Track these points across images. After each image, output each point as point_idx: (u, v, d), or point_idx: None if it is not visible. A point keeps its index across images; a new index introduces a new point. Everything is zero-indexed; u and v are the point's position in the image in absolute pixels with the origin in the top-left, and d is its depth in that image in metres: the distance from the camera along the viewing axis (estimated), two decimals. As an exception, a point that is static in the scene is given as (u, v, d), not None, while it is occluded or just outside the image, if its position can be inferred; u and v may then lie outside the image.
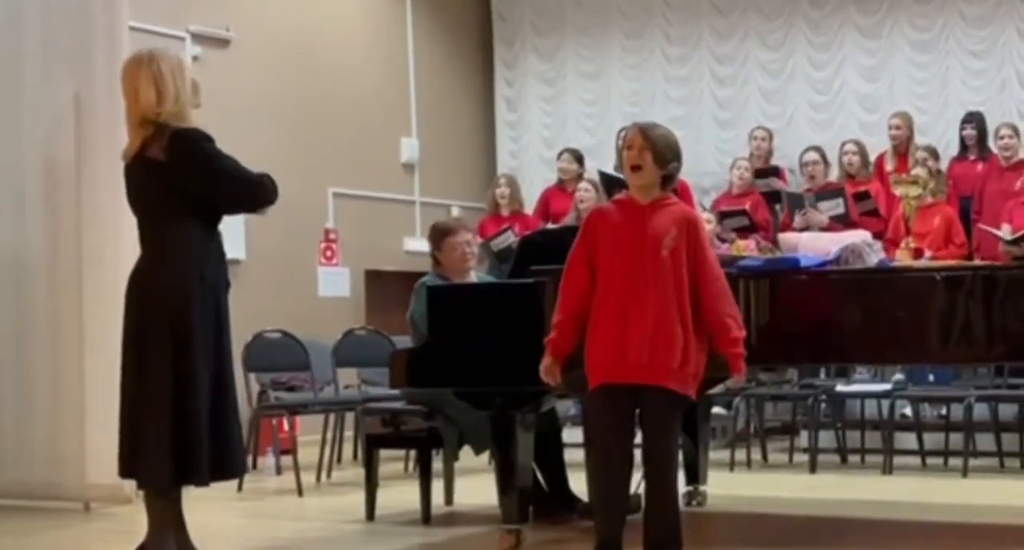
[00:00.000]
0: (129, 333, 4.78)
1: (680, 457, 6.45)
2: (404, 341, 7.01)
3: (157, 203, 4.78)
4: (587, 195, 9.22)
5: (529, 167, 12.11)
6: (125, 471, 4.80)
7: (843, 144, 9.46)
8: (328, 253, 10.68)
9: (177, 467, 4.64)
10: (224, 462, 4.75)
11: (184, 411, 4.63)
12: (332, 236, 10.71)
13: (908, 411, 8.10)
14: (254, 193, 4.88)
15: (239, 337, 7.71)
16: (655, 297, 4.32)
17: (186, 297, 4.69)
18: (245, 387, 7.61)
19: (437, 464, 6.51)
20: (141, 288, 4.76)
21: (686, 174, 10.66)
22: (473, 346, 5.33)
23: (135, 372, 4.73)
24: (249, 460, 7.83)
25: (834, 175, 9.47)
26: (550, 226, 9.04)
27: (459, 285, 5.99)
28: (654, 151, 4.41)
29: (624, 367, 4.33)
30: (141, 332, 4.72)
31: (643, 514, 4.46)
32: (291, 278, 10.20)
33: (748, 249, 6.03)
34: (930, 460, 7.86)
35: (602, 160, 10.14)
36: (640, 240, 4.37)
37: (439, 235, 6.29)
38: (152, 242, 4.81)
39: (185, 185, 4.75)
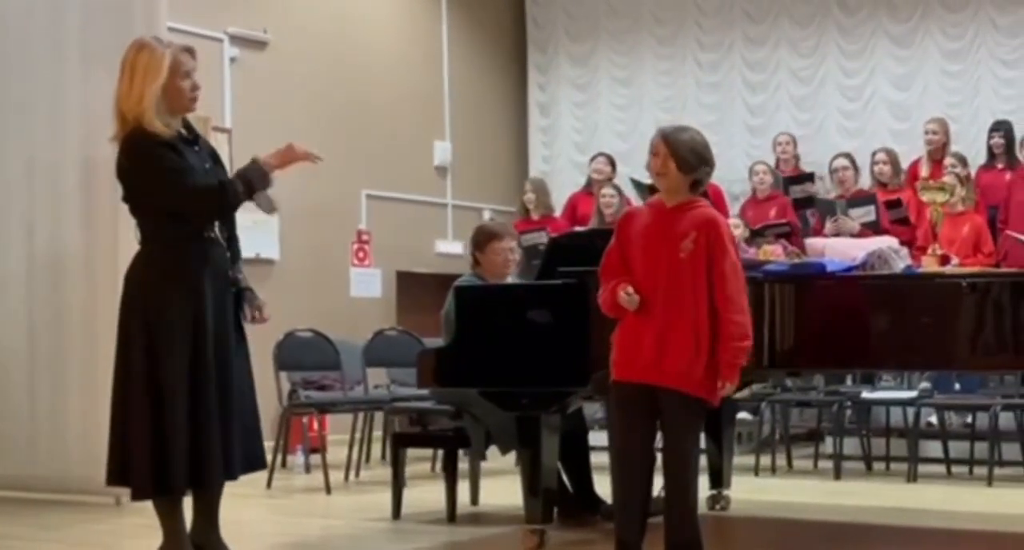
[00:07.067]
0: (117, 336, 4.70)
1: (704, 461, 6.56)
2: (435, 342, 7.03)
3: (129, 202, 4.68)
4: (612, 200, 9.26)
5: (561, 172, 12.17)
6: (111, 479, 4.69)
7: (874, 153, 9.38)
8: (360, 254, 10.77)
9: (156, 476, 4.53)
10: (200, 473, 4.58)
11: (160, 420, 4.52)
12: (364, 237, 10.80)
13: (934, 419, 8.10)
14: (194, 203, 4.62)
15: (271, 336, 7.88)
16: (665, 299, 4.32)
17: (159, 299, 4.57)
18: (276, 386, 7.71)
19: (464, 464, 6.56)
20: (123, 290, 4.68)
21: (717, 180, 10.77)
22: (500, 346, 5.33)
23: (118, 376, 4.67)
24: (279, 458, 7.95)
25: (864, 183, 9.43)
26: (579, 229, 9.07)
27: (487, 286, 6.00)
28: (677, 158, 4.37)
29: (637, 366, 4.35)
30: (121, 336, 4.65)
31: (663, 516, 4.45)
32: (324, 278, 10.31)
33: (775, 254, 6.07)
34: (955, 468, 7.85)
35: (633, 166, 10.19)
36: (659, 242, 4.37)
37: (485, 238, 6.31)
38: (139, 242, 4.70)
39: (134, 190, 4.66)
